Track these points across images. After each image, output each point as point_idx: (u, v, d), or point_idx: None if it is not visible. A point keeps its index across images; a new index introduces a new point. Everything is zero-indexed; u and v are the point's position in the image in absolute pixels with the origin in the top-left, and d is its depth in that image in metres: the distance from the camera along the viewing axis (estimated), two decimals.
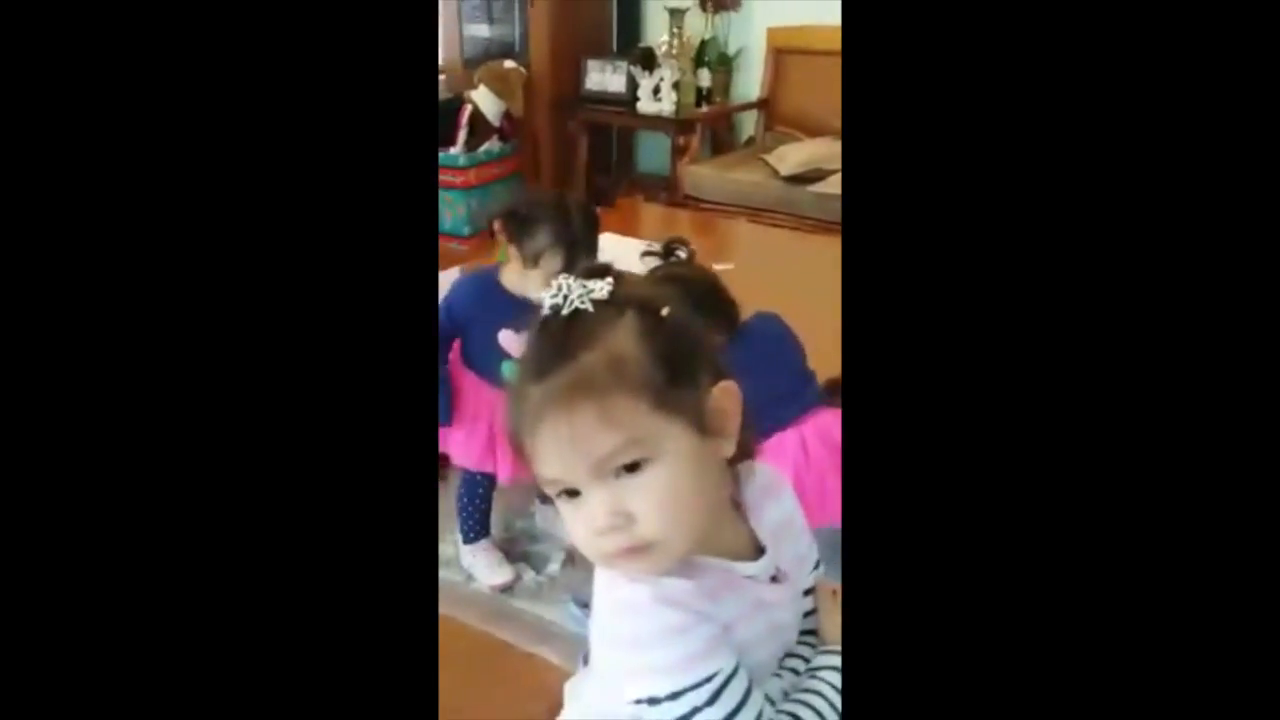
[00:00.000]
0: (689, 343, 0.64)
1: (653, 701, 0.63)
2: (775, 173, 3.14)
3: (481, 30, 3.91)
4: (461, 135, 3.52)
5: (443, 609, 1.38)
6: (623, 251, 2.33)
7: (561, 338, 0.60)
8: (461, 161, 3.48)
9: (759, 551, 0.70)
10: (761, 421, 1.44)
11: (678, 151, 3.50)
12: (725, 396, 0.65)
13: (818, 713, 0.67)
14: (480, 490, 1.78)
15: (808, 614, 0.75)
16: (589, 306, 0.61)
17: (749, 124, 3.83)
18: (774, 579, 0.70)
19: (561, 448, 0.59)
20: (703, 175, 3.32)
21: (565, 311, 0.61)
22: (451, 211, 3.50)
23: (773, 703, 0.67)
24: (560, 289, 0.62)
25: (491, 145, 3.60)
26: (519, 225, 1.57)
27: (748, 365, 1.44)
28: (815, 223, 2.97)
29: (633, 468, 0.60)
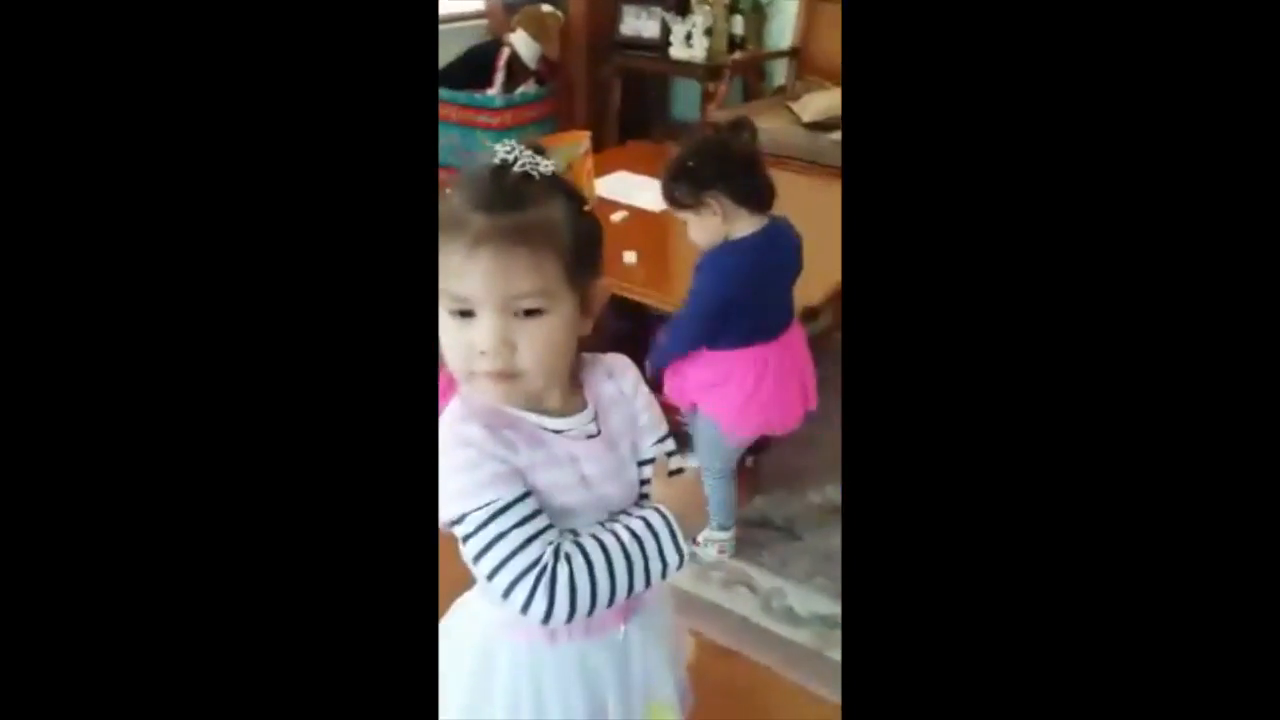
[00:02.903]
0: (595, 236, 0.80)
1: (453, 523, 0.77)
2: (798, 119, 3.20)
3: None
4: (499, 78, 3.62)
5: None
6: (637, 187, 2.43)
7: (513, 187, 0.74)
8: (498, 103, 3.59)
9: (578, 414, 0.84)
10: (756, 328, 1.56)
11: (707, 97, 3.57)
12: (601, 291, 0.80)
13: (600, 544, 0.78)
14: None
15: (645, 482, 0.87)
16: (536, 175, 0.75)
17: (781, 72, 3.87)
18: (591, 437, 0.83)
19: (491, 274, 0.72)
20: None
21: (517, 169, 0.74)
22: None
23: (577, 534, 0.79)
24: (512, 150, 0.75)
25: (528, 88, 3.69)
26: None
27: (766, 264, 1.56)
28: (834, 169, 3.02)
29: (531, 313, 0.74)
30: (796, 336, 1.66)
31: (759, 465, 2.01)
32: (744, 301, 1.52)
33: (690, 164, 1.48)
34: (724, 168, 1.47)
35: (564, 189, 0.77)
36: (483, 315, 0.73)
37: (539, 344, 0.74)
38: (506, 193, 0.73)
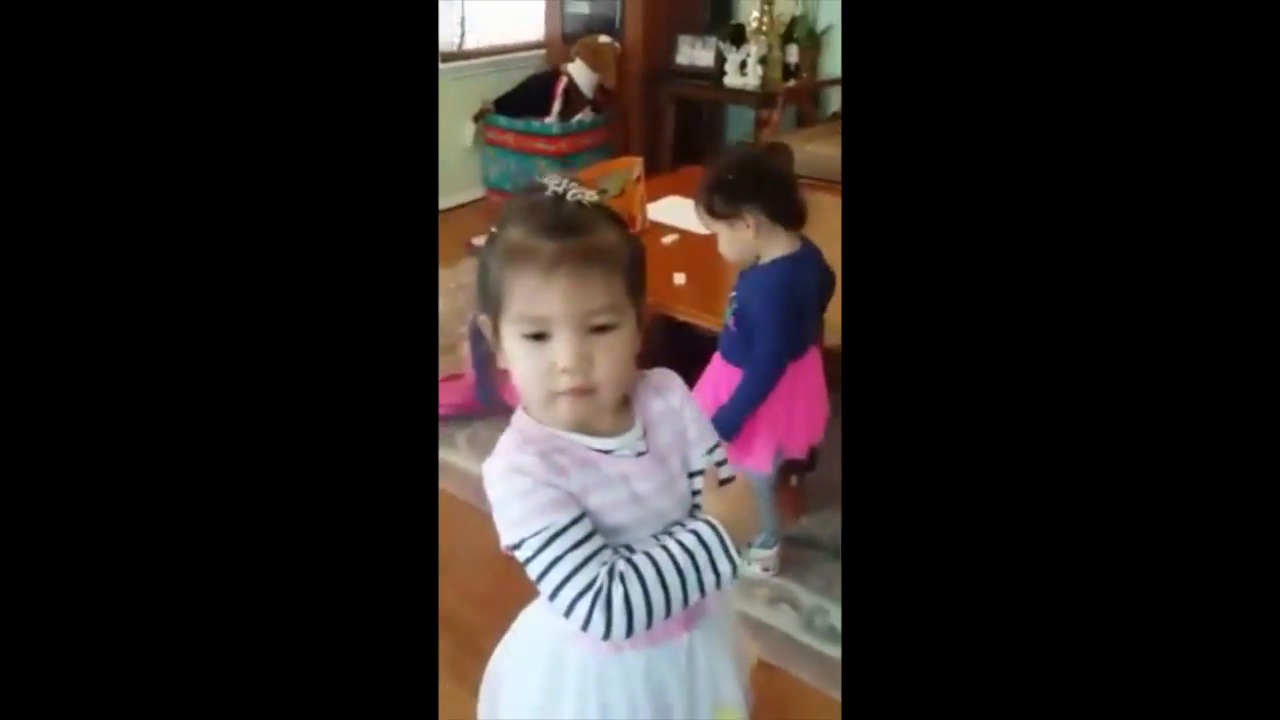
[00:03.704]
0: (643, 256, 0.85)
1: (511, 548, 0.81)
2: None
3: (582, 7, 4.10)
4: (556, 106, 3.73)
5: None
6: (688, 210, 2.48)
7: (573, 215, 0.79)
8: (555, 130, 3.69)
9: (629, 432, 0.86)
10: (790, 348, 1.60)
11: (760, 124, 3.63)
12: (646, 308, 0.84)
13: (653, 560, 0.80)
14: None
15: (696, 493, 0.89)
16: (588, 203, 0.80)
17: (836, 100, 3.91)
18: (641, 454, 0.86)
19: (569, 294, 0.77)
20: None
21: (570, 198, 0.80)
22: None
23: (631, 550, 0.82)
24: (562, 182, 0.81)
25: (584, 116, 3.79)
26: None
27: (802, 284, 1.60)
28: None
29: (602, 329, 0.79)
30: (814, 351, 1.70)
31: (805, 486, 2.03)
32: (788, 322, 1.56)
33: (730, 177, 1.53)
34: (761, 184, 1.52)
35: (610, 214, 0.82)
36: (560, 335, 0.77)
37: (612, 357, 0.79)
38: (569, 219, 0.78)
